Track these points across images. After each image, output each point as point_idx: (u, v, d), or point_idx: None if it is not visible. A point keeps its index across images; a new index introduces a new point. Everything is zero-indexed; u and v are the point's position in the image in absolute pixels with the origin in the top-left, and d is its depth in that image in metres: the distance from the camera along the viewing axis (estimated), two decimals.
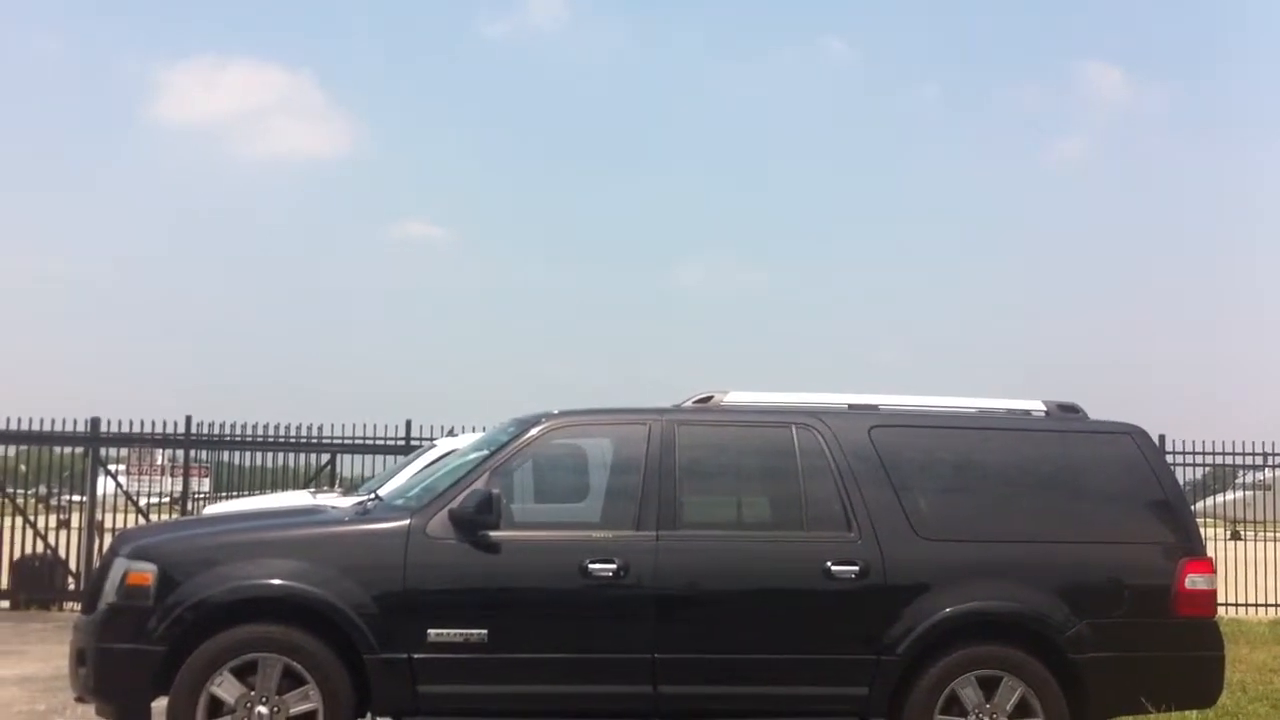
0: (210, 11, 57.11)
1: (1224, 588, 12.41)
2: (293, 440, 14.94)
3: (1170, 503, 6.37)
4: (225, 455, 15.50)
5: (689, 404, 6.54)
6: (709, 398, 6.50)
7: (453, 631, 5.64)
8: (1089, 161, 57.67)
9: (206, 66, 61.19)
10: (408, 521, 5.80)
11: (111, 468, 15.11)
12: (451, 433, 13.26)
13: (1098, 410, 6.66)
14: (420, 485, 6.76)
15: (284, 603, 5.60)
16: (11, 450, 15.38)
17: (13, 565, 14.21)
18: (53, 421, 14.36)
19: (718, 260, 62.44)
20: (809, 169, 58.78)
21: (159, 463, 15.59)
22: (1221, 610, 9.81)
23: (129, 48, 58.39)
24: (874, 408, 6.46)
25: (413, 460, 10.77)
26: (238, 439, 14.90)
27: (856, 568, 5.87)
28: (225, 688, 5.51)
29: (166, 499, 15.67)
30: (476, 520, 5.70)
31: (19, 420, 14.30)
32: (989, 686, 5.88)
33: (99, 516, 14.47)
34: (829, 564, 5.87)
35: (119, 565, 5.72)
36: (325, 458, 15.15)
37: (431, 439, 13.39)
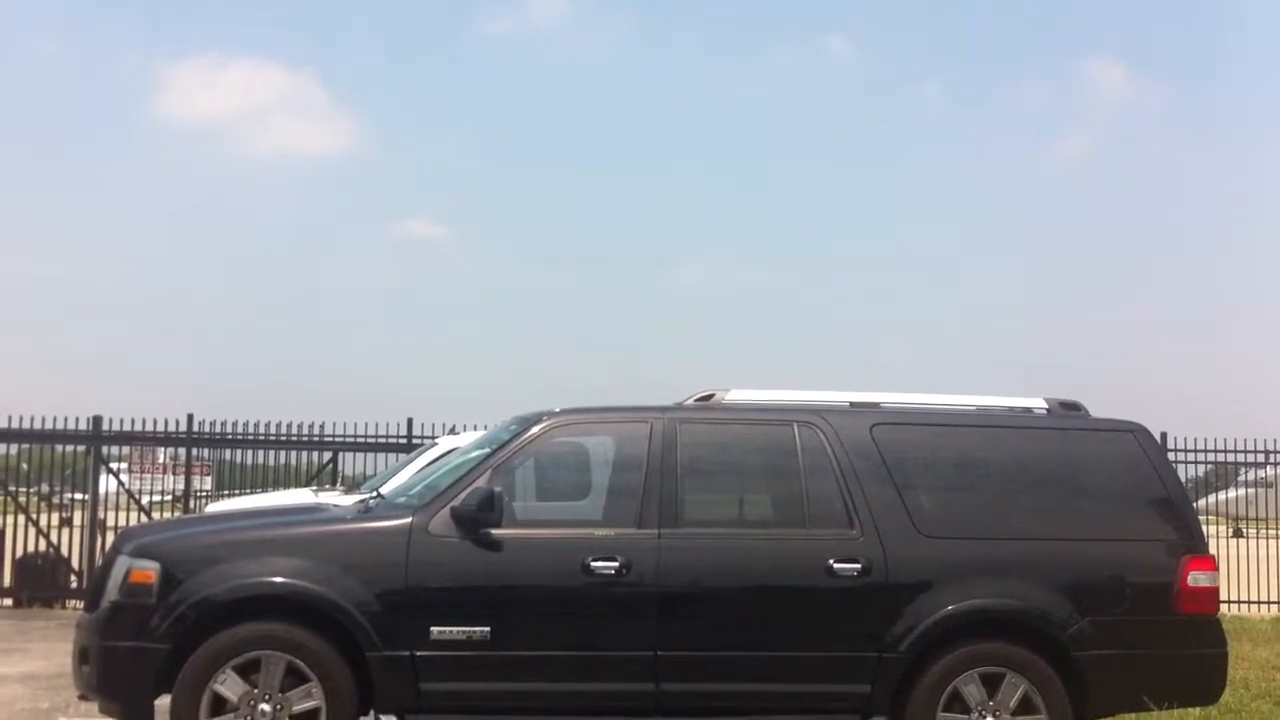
0: (212, 10, 57.13)
1: (1226, 585, 12.38)
2: (295, 438, 14.95)
3: (1172, 500, 6.37)
4: (227, 453, 15.51)
5: (691, 402, 6.54)
6: (710, 396, 6.50)
7: (455, 629, 5.65)
8: (1090, 160, 57.61)
9: (208, 65, 61.20)
10: (410, 519, 5.81)
11: (114, 466, 15.14)
12: (453, 431, 13.25)
13: (1100, 408, 6.66)
14: (422, 483, 6.77)
15: (286, 600, 5.61)
16: (14, 448, 15.41)
17: (15, 563, 14.22)
18: (55, 420, 14.39)
19: (718, 260, 62.43)
20: (809, 169, 58.75)
21: (161, 461, 15.62)
22: (1224, 607, 9.82)
23: (131, 46, 58.36)
24: (876, 406, 6.45)
25: (414, 458, 10.78)
26: (240, 437, 14.91)
27: (859, 565, 5.88)
28: (228, 685, 5.51)
29: (169, 497, 15.70)
30: (478, 518, 5.70)
31: (21, 419, 14.34)
32: (991, 684, 5.88)
33: (101, 515, 14.48)
34: (831, 562, 5.87)
35: (122, 563, 5.73)
36: (327, 456, 15.16)
37: (433, 437, 13.39)
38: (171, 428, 14.65)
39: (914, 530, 5.99)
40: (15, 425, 14.32)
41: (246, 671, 5.54)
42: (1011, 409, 6.60)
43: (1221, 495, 20.54)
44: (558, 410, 6.23)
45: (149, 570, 5.62)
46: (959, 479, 6.32)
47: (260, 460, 15.34)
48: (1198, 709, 6.80)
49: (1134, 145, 57.44)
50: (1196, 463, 16.10)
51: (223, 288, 51.99)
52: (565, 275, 59.26)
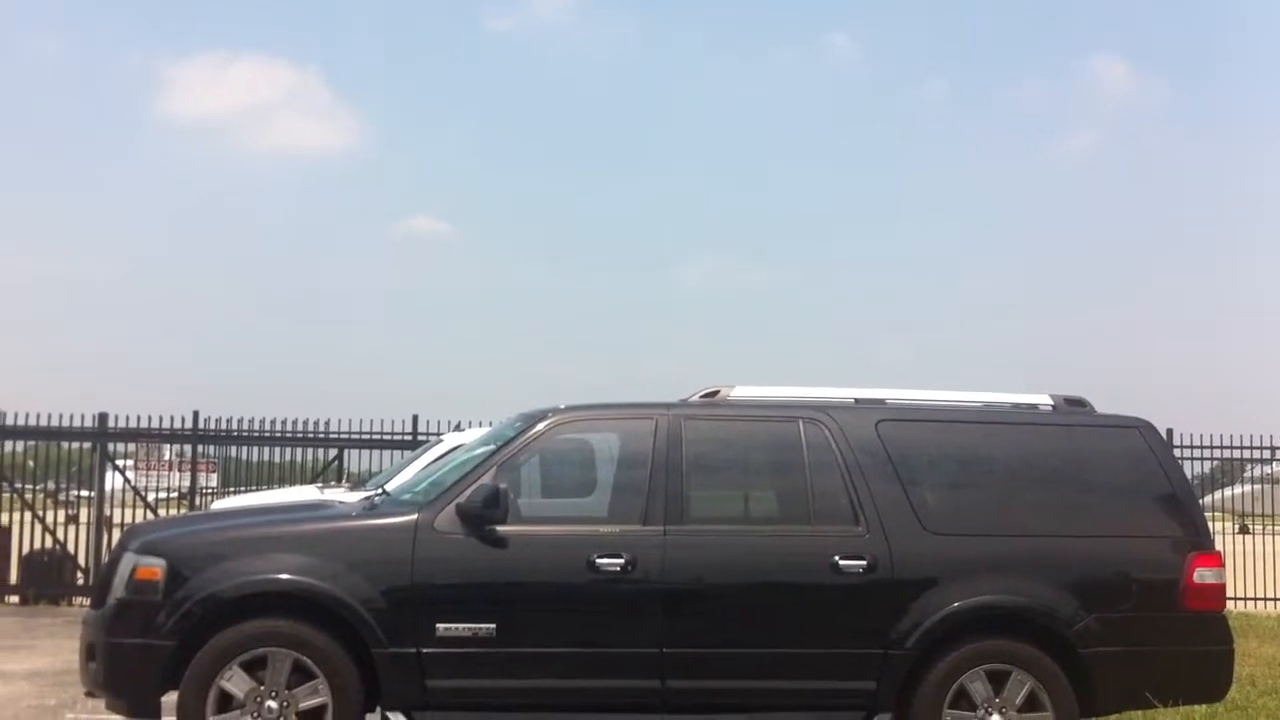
0: (216, 7, 57.15)
1: (1232, 581, 12.40)
2: (300, 435, 14.96)
3: (1178, 497, 6.36)
4: (233, 450, 15.52)
5: (695, 398, 6.54)
6: (715, 392, 6.50)
7: (461, 626, 5.65)
8: (1093, 158, 57.54)
9: (212, 63, 61.25)
10: (415, 516, 5.81)
11: (119, 463, 15.16)
12: (458, 428, 13.27)
13: (1105, 405, 6.64)
14: (427, 480, 6.77)
15: (292, 597, 5.61)
16: (20, 446, 15.44)
17: (22, 560, 14.25)
18: (60, 417, 14.45)
19: (719, 260, 62.42)
20: (810, 167, 58.78)
21: (167, 458, 15.66)
22: (1230, 604, 9.82)
23: (134, 44, 58.44)
24: (881, 402, 6.44)
25: (419, 455, 10.78)
26: (245, 434, 14.93)
27: (864, 562, 5.87)
28: (235, 682, 5.52)
29: (174, 494, 15.72)
30: (484, 515, 5.71)
31: (27, 416, 14.39)
32: (997, 681, 5.87)
33: (107, 512, 14.51)
34: (836, 558, 5.87)
35: (128, 560, 5.74)
36: (332, 453, 15.18)
37: (438, 434, 13.40)
38: (177, 425, 14.68)
39: (919, 527, 5.98)
40: (21, 423, 14.36)
41: (253, 668, 5.54)
42: (1017, 405, 6.59)
43: (1227, 492, 20.51)
44: (562, 407, 6.23)
45: (155, 567, 5.63)
46: (964, 475, 6.32)
47: (266, 457, 15.35)
48: (1204, 706, 6.79)
49: (1136, 143, 57.40)
50: (1202, 459, 16.08)
51: (225, 286, 52.12)
52: (567, 274, 59.35)
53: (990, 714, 5.85)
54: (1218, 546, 6.56)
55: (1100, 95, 59.59)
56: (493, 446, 6.21)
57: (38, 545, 14.39)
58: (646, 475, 5.97)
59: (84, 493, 15.88)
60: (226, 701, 5.52)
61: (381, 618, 5.59)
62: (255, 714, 5.51)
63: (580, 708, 5.76)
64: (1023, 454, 6.36)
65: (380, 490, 7.57)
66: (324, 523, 6.13)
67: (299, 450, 15.30)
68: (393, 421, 15.04)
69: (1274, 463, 16.90)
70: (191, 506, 14.67)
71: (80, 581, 14.21)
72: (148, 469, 15.62)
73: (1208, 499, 16.55)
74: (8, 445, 15.06)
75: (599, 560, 5.74)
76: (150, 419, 14.56)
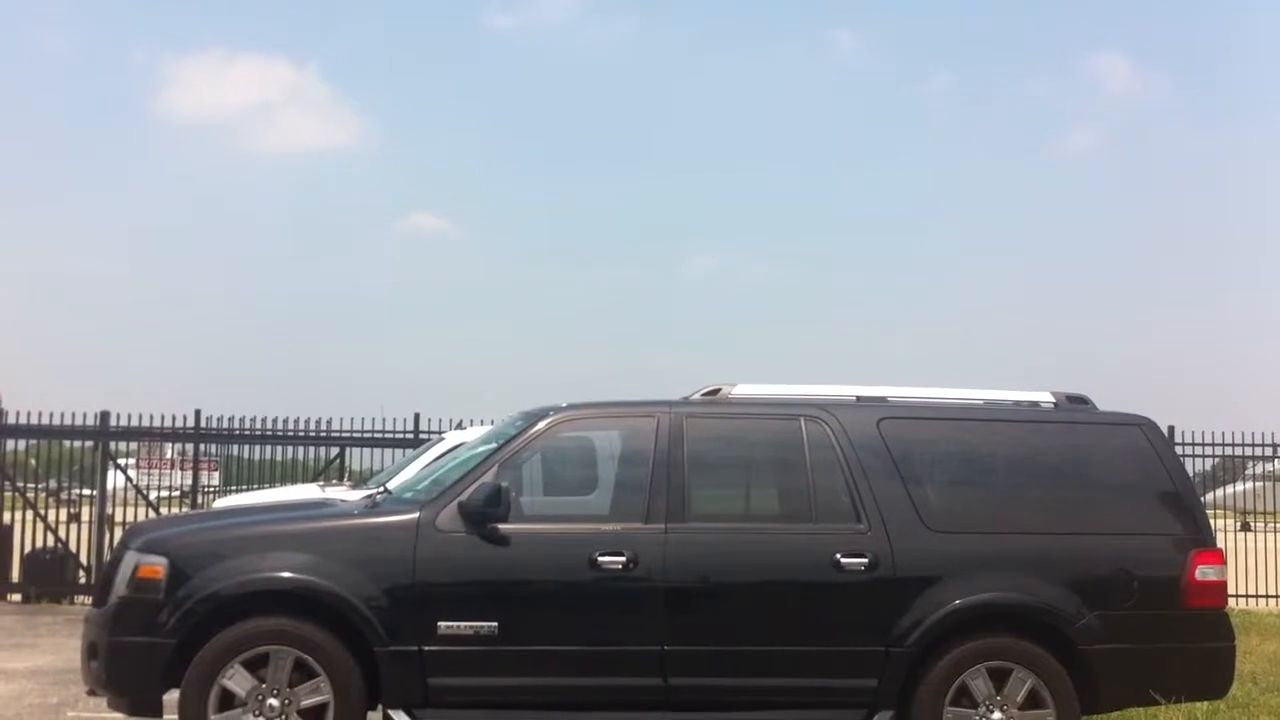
0: (217, 5, 57.14)
1: (1234, 579, 12.38)
2: (302, 434, 14.97)
3: (1180, 494, 6.36)
4: (235, 449, 15.54)
5: (697, 396, 6.54)
6: (717, 390, 6.50)
7: (463, 624, 5.65)
8: (1096, 155, 57.50)
9: (213, 61, 61.23)
10: (417, 514, 5.81)
11: (121, 461, 15.18)
12: (460, 426, 13.27)
13: (1108, 403, 6.64)
14: (429, 478, 6.77)
15: (294, 596, 5.62)
16: (22, 444, 15.44)
17: (24, 559, 14.28)
18: (63, 415, 14.47)
19: (724, 255, 62.42)
20: (812, 164, 58.76)
21: (169, 456, 15.67)
22: (1232, 601, 9.79)
23: (135, 42, 58.44)
24: (882, 400, 6.44)
25: (421, 453, 10.78)
26: (247, 432, 14.94)
27: (866, 560, 5.87)
28: (236, 680, 5.53)
29: (176, 492, 15.73)
30: (485, 513, 5.71)
31: (29, 415, 14.39)
32: (999, 678, 5.87)
33: (109, 510, 14.53)
34: (838, 556, 5.86)
35: (130, 558, 5.74)
36: (334, 451, 15.19)
37: (440, 432, 13.40)
38: (179, 423, 14.69)
39: (921, 525, 5.98)
40: (23, 421, 14.38)
41: (255, 666, 5.55)
42: (1018, 403, 6.58)
43: (1229, 489, 20.49)
44: (564, 405, 6.23)
45: (157, 565, 5.63)
46: (966, 473, 6.32)
47: (267, 455, 15.36)
48: (1206, 703, 6.79)
49: (1139, 140, 57.33)
50: (1204, 456, 16.08)
51: (227, 283, 52.14)
52: (568, 271, 59.35)
53: (992, 711, 5.85)
54: (1219, 544, 6.56)
55: (1103, 92, 59.62)
56: (494, 445, 6.21)
57: (40, 544, 14.41)
58: (648, 473, 5.97)
59: (86, 491, 15.91)
60: (228, 700, 5.52)
61: (383, 616, 5.59)
62: (257, 712, 5.52)
63: (582, 706, 5.76)
64: (1024, 452, 6.36)
65: (382, 489, 7.57)
66: (326, 521, 6.13)
67: (301, 449, 15.32)
68: (394, 420, 15.07)
69: (1276, 460, 16.87)
70: (193, 505, 14.67)
71: (82, 580, 14.23)
72: (150, 467, 15.63)
73: (1209, 496, 16.57)
74: (10, 444, 15.08)
75: (601, 558, 5.74)
76: (152, 417, 14.61)
